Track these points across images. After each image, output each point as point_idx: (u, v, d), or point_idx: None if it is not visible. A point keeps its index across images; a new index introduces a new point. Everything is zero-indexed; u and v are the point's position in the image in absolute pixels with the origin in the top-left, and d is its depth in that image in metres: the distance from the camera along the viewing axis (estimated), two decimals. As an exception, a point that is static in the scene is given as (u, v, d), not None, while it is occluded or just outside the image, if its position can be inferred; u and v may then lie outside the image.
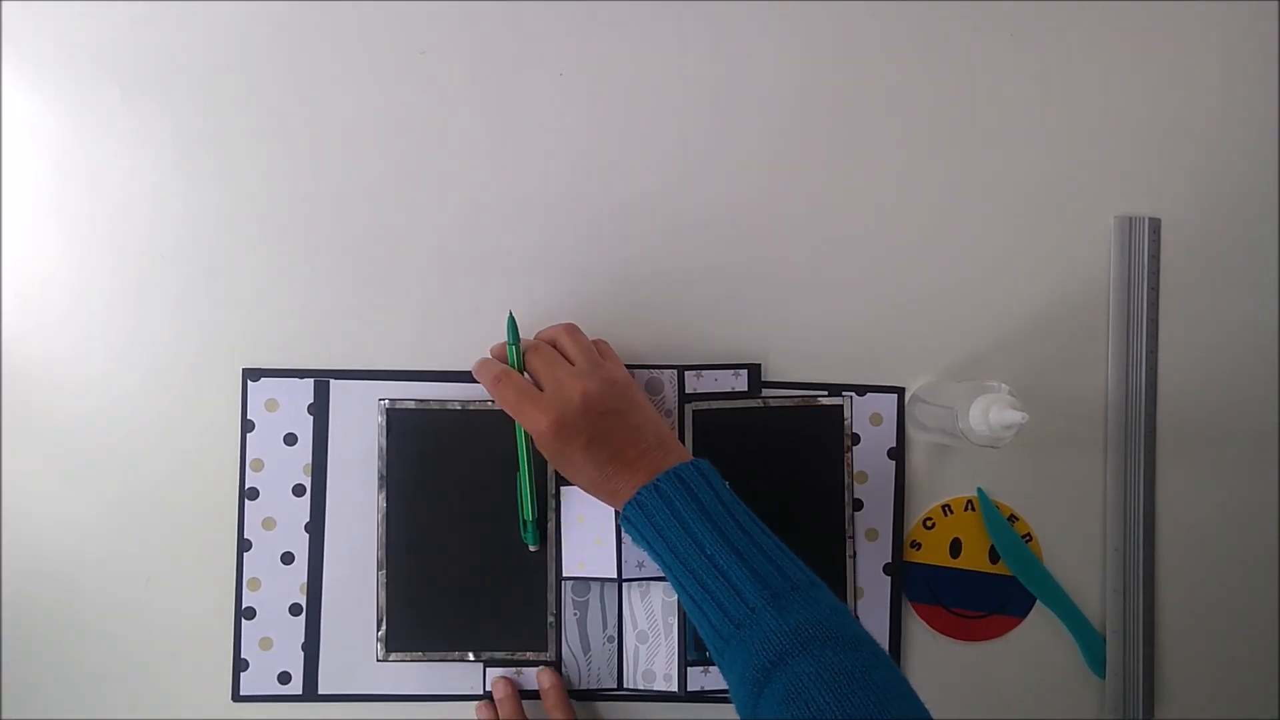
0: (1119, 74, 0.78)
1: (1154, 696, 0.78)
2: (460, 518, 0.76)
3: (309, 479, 0.76)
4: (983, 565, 0.78)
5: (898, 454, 0.78)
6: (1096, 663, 0.78)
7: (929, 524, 0.78)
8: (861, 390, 0.77)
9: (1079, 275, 0.78)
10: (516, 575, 0.76)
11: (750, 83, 0.77)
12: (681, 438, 0.76)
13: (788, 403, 0.77)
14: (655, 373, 0.77)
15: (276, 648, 0.76)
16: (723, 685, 0.69)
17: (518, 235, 0.77)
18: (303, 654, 0.76)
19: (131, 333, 0.76)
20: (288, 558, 0.76)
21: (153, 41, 0.76)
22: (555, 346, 0.69)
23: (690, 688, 0.75)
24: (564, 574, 0.76)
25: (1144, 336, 0.78)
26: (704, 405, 0.76)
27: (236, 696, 0.76)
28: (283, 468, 0.76)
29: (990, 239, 0.78)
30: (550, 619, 0.76)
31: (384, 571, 0.75)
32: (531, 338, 0.72)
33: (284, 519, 0.76)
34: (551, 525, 0.76)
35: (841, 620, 0.58)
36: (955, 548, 0.78)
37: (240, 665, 0.76)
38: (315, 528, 0.76)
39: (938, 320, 0.78)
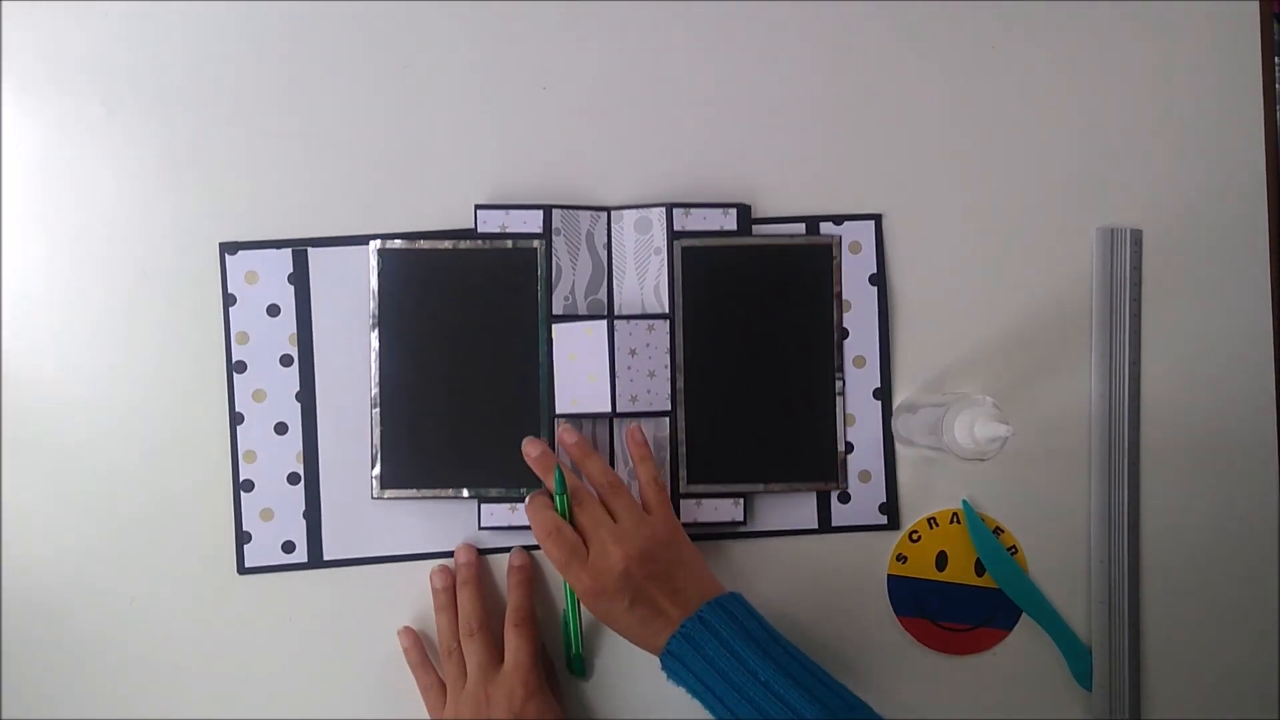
0: (1101, 86, 0.79)
1: (1140, 708, 0.78)
2: (454, 356, 0.76)
3: (295, 349, 0.76)
4: (969, 578, 0.78)
5: (879, 280, 0.78)
6: (1083, 675, 0.78)
7: (915, 537, 0.78)
8: (839, 219, 0.78)
9: (1061, 287, 0.79)
10: (510, 413, 0.76)
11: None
12: (671, 276, 0.77)
13: (778, 241, 0.78)
14: (644, 211, 0.77)
15: (278, 518, 0.76)
16: (715, 516, 0.76)
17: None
18: (305, 522, 0.76)
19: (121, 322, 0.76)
20: (281, 428, 0.76)
21: (136, 55, 0.76)
22: (603, 501, 0.71)
23: (683, 519, 0.75)
24: (557, 411, 0.76)
25: (1126, 348, 0.78)
26: (693, 243, 0.77)
27: (241, 569, 0.76)
28: (268, 339, 0.76)
29: (972, 251, 0.78)
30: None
31: (378, 410, 0.75)
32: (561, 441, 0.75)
33: (274, 390, 0.76)
34: (542, 372, 0.76)
35: None
36: (941, 561, 0.78)
37: (243, 538, 0.76)
38: (306, 396, 0.76)
39: (919, 328, 0.78)
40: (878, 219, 0.78)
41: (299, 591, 0.76)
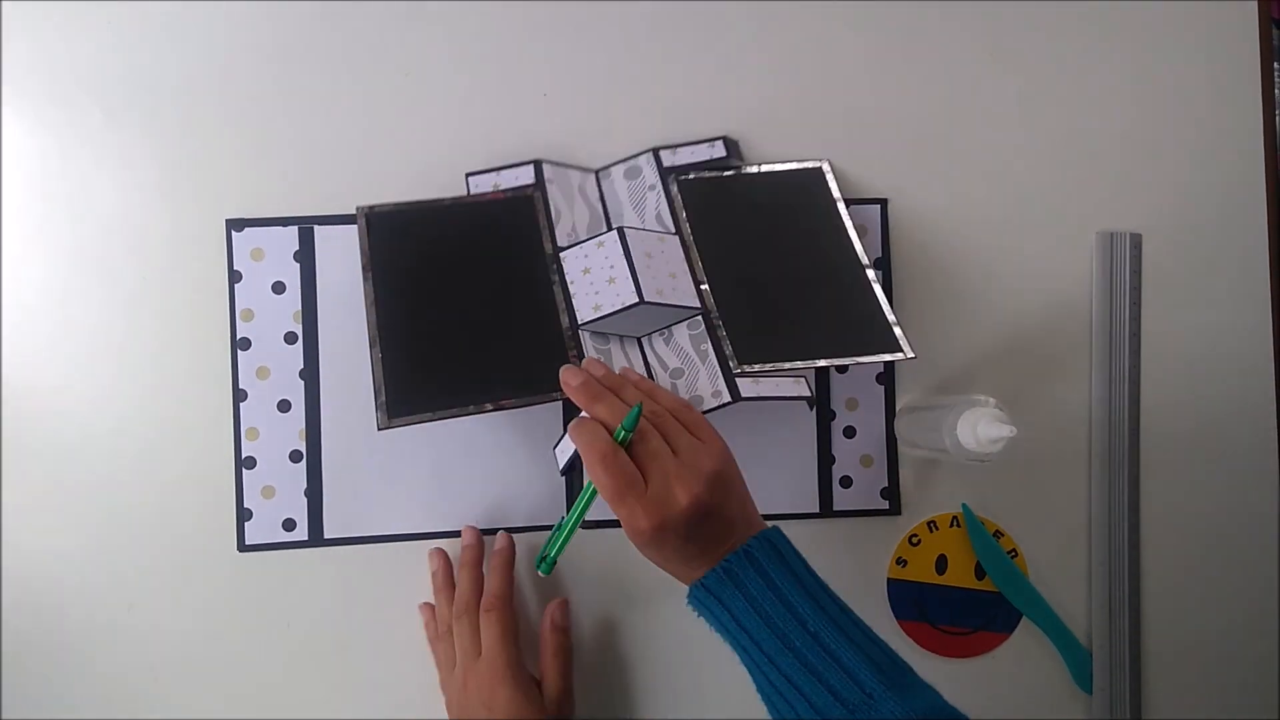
0: (1101, 91, 0.79)
1: (1141, 710, 0.78)
2: (457, 294, 0.72)
3: (300, 326, 0.76)
4: (969, 582, 0.78)
5: (884, 264, 0.78)
6: (1083, 677, 0.78)
7: (915, 541, 0.78)
8: (846, 204, 0.77)
9: (1062, 290, 0.79)
10: (526, 331, 0.71)
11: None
12: (672, 207, 0.76)
13: (768, 171, 0.77)
14: (631, 161, 0.77)
15: (279, 495, 0.76)
16: (778, 391, 0.69)
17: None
18: (306, 500, 0.76)
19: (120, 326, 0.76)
20: (284, 405, 0.76)
21: (136, 51, 0.76)
22: (660, 429, 0.63)
23: (745, 395, 0.69)
24: (579, 320, 0.71)
25: (1126, 351, 0.78)
26: (689, 176, 0.76)
27: (242, 546, 0.76)
28: (273, 316, 0.76)
29: (973, 253, 0.79)
30: (570, 354, 0.70)
31: (378, 348, 0.70)
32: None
33: (277, 367, 0.76)
34: (557, 293, 0.72)
35: (957, 715, 0.56)
36: (941, 564, 0.78)
37: (244, 515, 0.76)
38: (310, 374, 0.76)
39: (922, 317, 0.78)
40: (883, 203, 0.79)
41: (299, 569, 0.76)
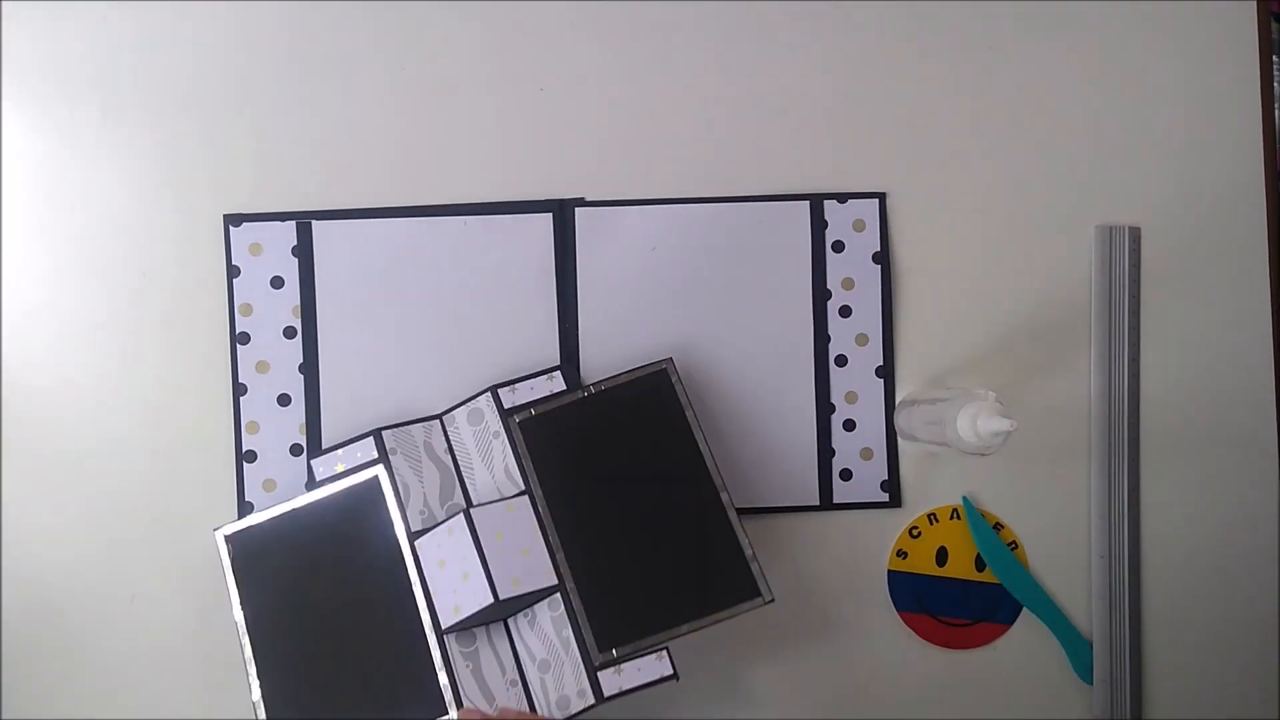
0: (1099, 84, 0.79)
1: (1141, 701, 0.78)
2: (324, 611, 0.72)
3: (299, 320, 0.77)
4: (969, 573, 0.78)
5: (883, 258, 0.78)
6: (1083, 668, 0.78)
7: (915, 533, 0.78)
8: (843, 198, 0.78)
9: (1061, 284, 0.79)
10: (392, 635, 0.71)
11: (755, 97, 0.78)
12: (516, 453, 0.73)
13: (610, 384, 0.75)
14: (472, 404, 0.76)
15: (280, 489, 0.76)
16: (640, 679, 0.69)
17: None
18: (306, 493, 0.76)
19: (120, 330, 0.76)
20: (284, 399, 0.77)
21: (135, 52, 0.76)
22: None
23: (608, 693, 0.69)
24: (443, 625, 0.71)
25: (1125, 344, 0.78)
26: (530, 413, 0.74)
27: None
28: (271, 311, 0.77)
29: (972, 248, 0.79)
30: (443, 682, 0.70)
31: (256, 681, 0.71)
32: None
33: (277, 362, 0.77)
34: (417, 591, 0.72)
35: None
36: (942, 556, 0.78)
37: (245, 508, 0.76)
38: (309, 368, 0.77)
39: (920, 313, 0.79)
40: (882, 197, 0.79)
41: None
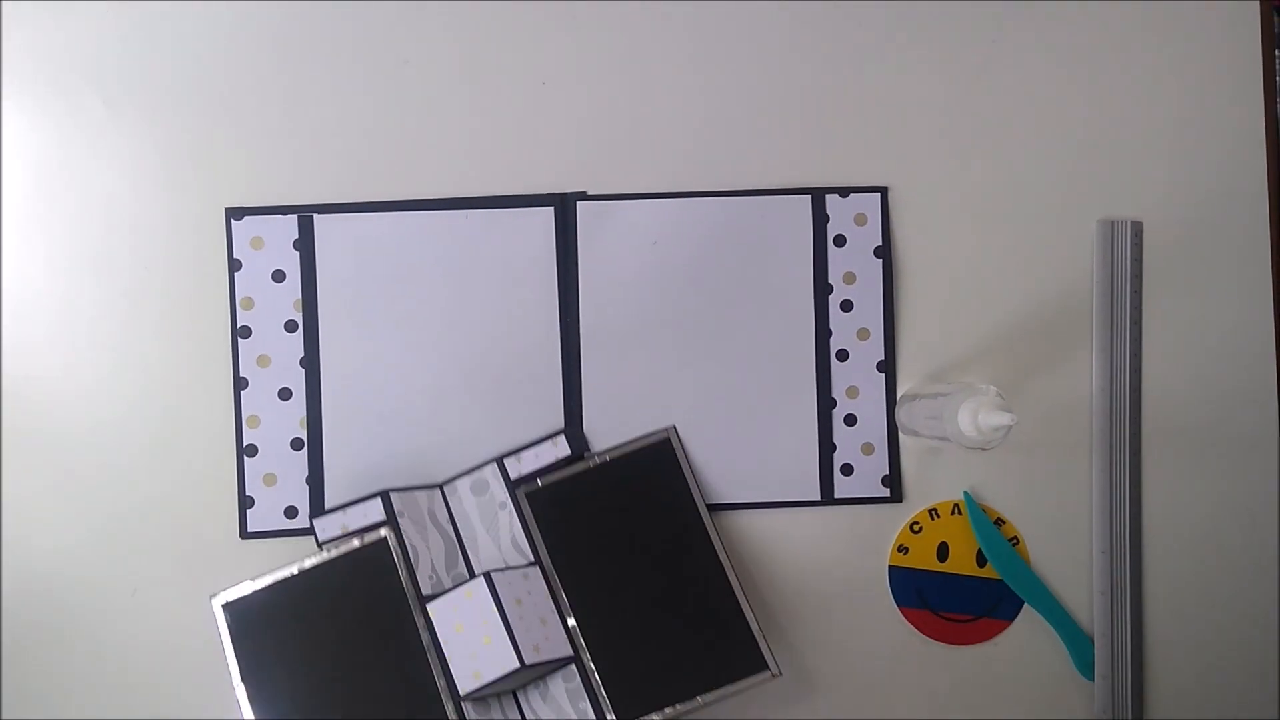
0: (1101, 78, 0.79)
1: (1143, 697, 0.78)
2: (333, 683, 0.71)
3: (300, 314, 0.77)
4: (970, 569, 0.78)
5: (884, 252, 0.78)
6: (1085, 665, 0.78)
7: (916, 528, 0.78)
8: (845, 191, 0.78)
9: (1062, 279, 0.79)
10: (404, 711, 0.71)
11: (738, 84, 0.78)
12: (525, 524, 0.74)
13: (616, 453, 0.76)
14: (477, 474, 0.76)
15: (281, 483, 0.77)
16: None
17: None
18: (307, 487, 0.77)
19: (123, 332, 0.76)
20: (285, 393, 0.77)
21: (136, 47, 0.76)
22: None
23: None
24: (461, 692, 0.70)
25: (1127, 339, 0.78)
26: (537, 483, 0.75)
27: (244, 533, 0.76)
28: (273, 305, 0.77)
29: (974, 243, 0.79)
30: None
31: None
32: None
33: (278, 355, 0.77)
34: (432, 657, 0.71)
35: None
36: (943, 552, 0.78)
37: (246, 502, 0.76)
38: (310, 362, 0.77)
39: (922, 307, 0.78)
40: (884, 191, 0.78)
41: (300, 557, 0.75)
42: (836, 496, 0.78)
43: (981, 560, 0.78)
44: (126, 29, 0.76)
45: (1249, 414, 0.79)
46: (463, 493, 0.76)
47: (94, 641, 0.76)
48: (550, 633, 0.71)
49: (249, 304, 0.77)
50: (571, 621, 0.73)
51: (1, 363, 0.76)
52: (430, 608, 0.71)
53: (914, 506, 0.78)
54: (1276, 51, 0.82)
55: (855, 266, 0.78)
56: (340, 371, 0.77)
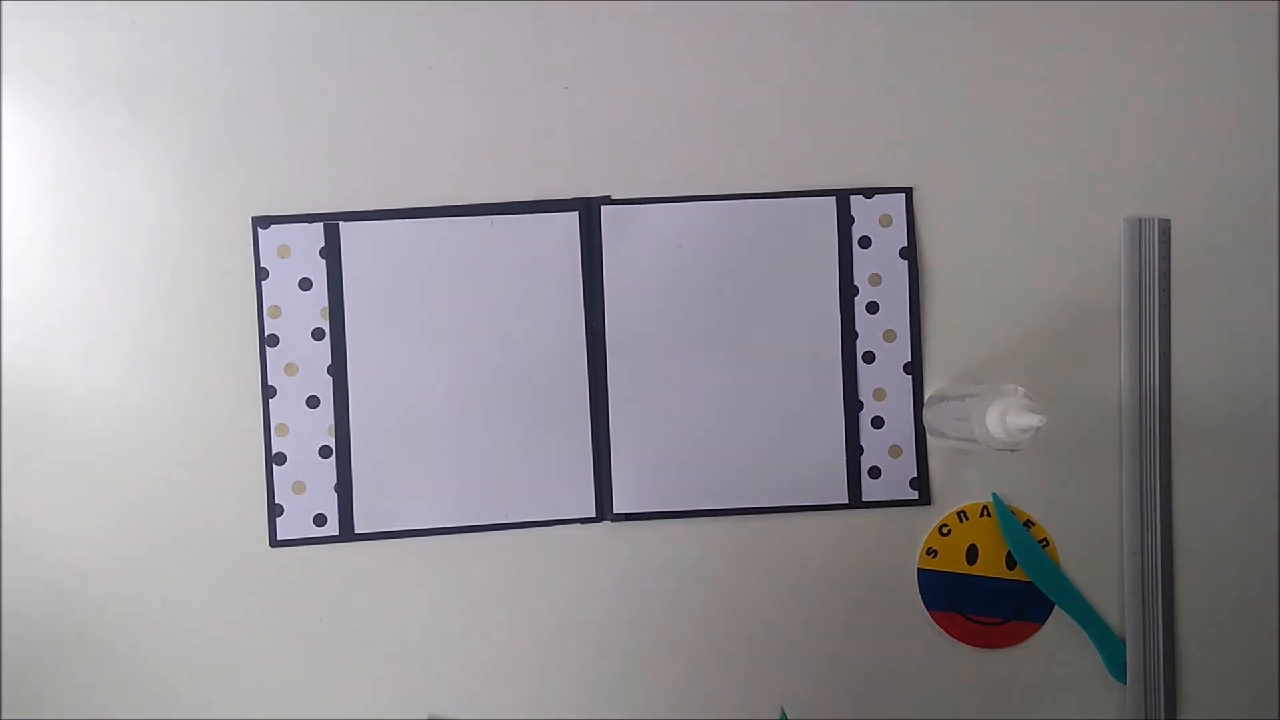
0: (1128, 76, 0.79)
1: (1176, 700, 0.77)
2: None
3: (327, 322, 0.77)
4: (1000, 572, 0.78)
5: (910, 254, 0.78)
6: (1117, 667, 0.77)
7: (945, 531, 0.77)
8: (869, 193, 0.78)
9: (1090, 277, 0.78)
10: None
11: (745, 109, 0.78)
12: None
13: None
14: None
15: (310, 491, 0.77)
16: None
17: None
18: (336, 495, 0.77)
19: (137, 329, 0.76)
20: (313, 401, 0.77)
21: (159, 62, 0.77)
22: None
23: None
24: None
25: (1156, 338, 0.77)
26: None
27: (274, 542, 0.77)
28: (300, 313, 0.77)
29: (1000, 241, 0.78)
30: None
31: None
32: None
33: (305, 364, 0.77)
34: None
35: None
36: (972, 554, 0.78)
37: (275, 511, 0.77)
38: (338, 370, 0.77)
39: (948, 308, 0.78)
40: (908, 192, 0.78)
41: (330, 564, 0.77)
42: (864, 499, 0.78)
43: (1011, 563, 0.78)
44: (151, 37, 0.77)
45: (1281, 413, 0.78)
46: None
47: (125, 650, 0.76)
48: None
49: (276, 312, 0.77)
50: None
51: (31, 372, 0.76)
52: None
53: (942, 509, 0.78)
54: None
55: (881, 268, 0.78)
56: (367, 378, 0.77)
